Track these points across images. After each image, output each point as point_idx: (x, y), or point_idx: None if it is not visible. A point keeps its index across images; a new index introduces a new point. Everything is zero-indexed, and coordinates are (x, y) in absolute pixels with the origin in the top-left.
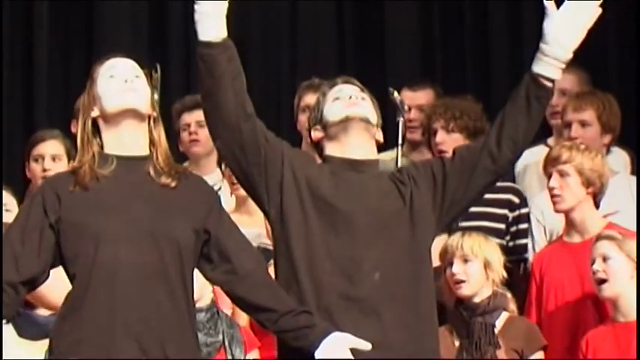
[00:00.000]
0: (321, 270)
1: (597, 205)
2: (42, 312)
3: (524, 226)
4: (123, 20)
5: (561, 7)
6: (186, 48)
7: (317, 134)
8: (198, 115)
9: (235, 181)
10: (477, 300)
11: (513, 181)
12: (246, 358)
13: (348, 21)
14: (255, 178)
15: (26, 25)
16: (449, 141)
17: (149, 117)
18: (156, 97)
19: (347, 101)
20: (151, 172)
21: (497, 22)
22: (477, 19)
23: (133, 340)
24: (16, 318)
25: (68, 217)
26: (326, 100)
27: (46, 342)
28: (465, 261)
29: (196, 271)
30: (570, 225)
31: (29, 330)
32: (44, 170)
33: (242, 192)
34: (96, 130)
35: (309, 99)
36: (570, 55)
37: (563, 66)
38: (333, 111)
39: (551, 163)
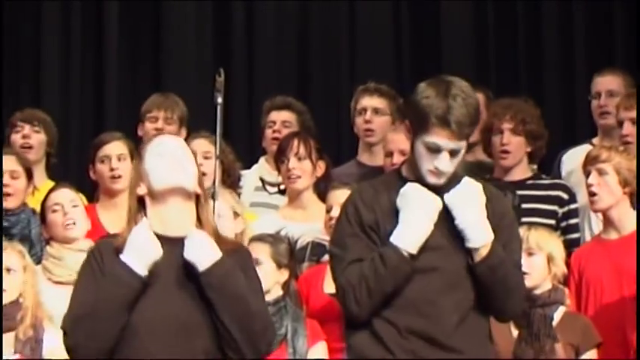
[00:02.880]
0: None
1: (634, 206)
2: None
3: (574, 221)
4: (187, 24)
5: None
6: (248, 51)
7: None
8: (285, 115)
9: (291, 175)
10: (537, 292)
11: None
12: (309, 350)
13: (405, 22)
14: None
15: (97, 33)
16: (514, 143)
17: (196, 195)
18: (220, 100)
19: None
20: None
21: (550, 22)
22: (530, 20)
23: None
24: None
25: None
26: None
27: None
28: (530, 254)
29: (265, 266)
30: (608, 223)
31: None
32: (112, 169)
33: (297, 186)
34: (142, 207)
35: (366, 102)
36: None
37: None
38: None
39: (590, 162)
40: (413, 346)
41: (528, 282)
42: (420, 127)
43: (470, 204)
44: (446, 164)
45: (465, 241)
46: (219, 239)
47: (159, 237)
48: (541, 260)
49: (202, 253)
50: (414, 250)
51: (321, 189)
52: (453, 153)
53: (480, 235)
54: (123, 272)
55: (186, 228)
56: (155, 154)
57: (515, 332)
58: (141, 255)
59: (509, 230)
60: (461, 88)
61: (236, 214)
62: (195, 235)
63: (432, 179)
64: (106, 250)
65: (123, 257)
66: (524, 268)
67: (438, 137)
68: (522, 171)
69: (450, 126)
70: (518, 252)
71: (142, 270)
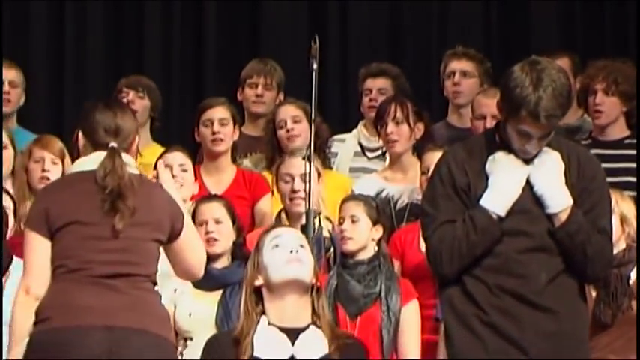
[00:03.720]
0: None
1: None
2: (217, 265)
3: None
4: None
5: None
6: (342, 18)
7: None
8: (381, 82)
9: (390, 139)
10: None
11: None
12: (403, 308)
13: None
14: None
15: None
16: (607, 103)
17: (312, 286)
18: (315, 66)
19: None
20: None
21: None
22: None
23: None
24: None
25: None
26: None
27: (218, 292)
28: None
29: (362, 223)
30: None
31: (204, 281)
32: (213, 133)
33: (395, 149)
34: (259, 299)
35: (454, 65)
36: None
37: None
38: None
39: None
40: (504, 303)
41: None
42: (511, 114)
43: (548, 172)
44: (534, 147)
45: (544, 207)
46: (333, 332)
47: (275, 327)
48: (615, 221)
49: (309, 351)
50: (502, 213)
51: (421, 150)
52: (542, 137)
53: (557, 201)
54: None
55: (302, 320)
56: (272, 246)
57: (593, 293)
58: (274, 352)
59: (598, 193)
60: (551, 77)
61: (319, 175)
62: (309, 333)
63: (521, 155)
64: (225, 345)
65: (259, 354)
66: None
67: (529, 127)
68: (619, 130)
69: (539, 120)
70: (607, 216)
71: None
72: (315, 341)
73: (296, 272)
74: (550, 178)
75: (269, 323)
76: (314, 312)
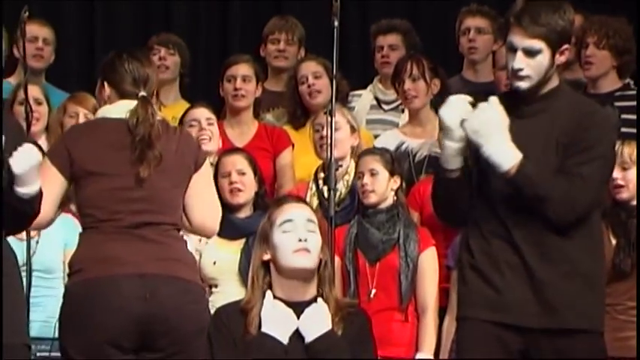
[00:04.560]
0: None
1: None
2: (240, 215)
3: None
4: None
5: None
6: None
7: None
8: (391, 38)
9: (407, 95)
10: (633, 203)
11: None
12: (420, 255)
13: None
14: None
15: None
16: (599, 56)
17: (319, 261)
18: (336, 23)
19: None
20: None
21: None
22: None
23: None
24: None
25: None
26: None
27: (242, 241)
28: (624, 168)
29: (380, 175)
30: None
31: (228, 231)
32: (236, 89)
33: (413, 105)
34: (267, 272)
35: (469, 22)
36: None
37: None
38: None
39: None
40: (492, 249)
41: (625, 194)
42: (506, 33)
43: (487, 132)
44: (519, 63)
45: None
46: (337, 304)
47: (281, 301)
48: (635, 173)
49: (313, 326)
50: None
51: (438, 105)
52: (528, 53)
53: (502, 161)
54: (269, 343)
55: (308, 293)
56: (282, 231)
57: (613, 241)
58: (281, 327)
59: (586, 144)
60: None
61: (353, 129)
62: (315, 306)
63: (514, 83)
64: (232, 317)
65: (266, 330)
66: (619, 182)
67: (514, 36)
68: (610, 83)
69: (521, 23)
70: (593, 165)
71: (285, 340)
72: (321, 314)
73: (303, 263)
74: (490, 138)
75: (274, 297)
76: (320, 285)
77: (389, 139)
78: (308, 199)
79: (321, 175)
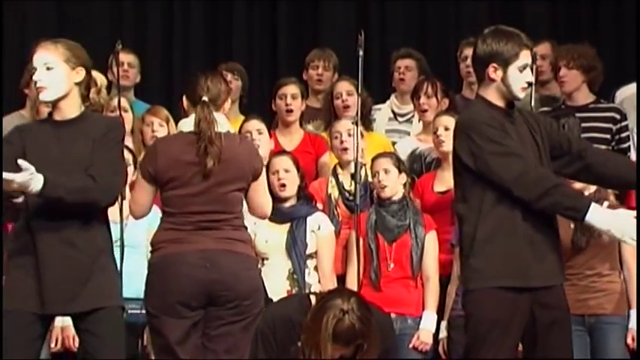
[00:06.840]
0: None
1: None
2: (286, 204)
3: (625, 134)
4: None
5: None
6: (382, 17)
7: None
8: (407, 62)
9: (421, 109)
10: (586, 193)
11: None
12: (426, 236)
13: None
14: None
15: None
16: (570, 75)
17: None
18: (361, 53)
19: None
20: None
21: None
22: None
23: None
24: None
25: None
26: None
27: (287, 224)
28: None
29: (392, 173)
30: None
31: (277, 216)
32: (286, 105)
33: (426, 118)
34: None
35: (467, 52)
36: None
37: None
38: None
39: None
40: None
41: (577, 184)
42: (512, 57)
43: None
44: (532, 76)
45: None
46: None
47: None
48: None
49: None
50: None
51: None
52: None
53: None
54: None
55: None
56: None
57: (572, 225)
58: None
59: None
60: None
61: (362, 135)
62: None
63: (520, 94)
64: (281, 334)
65: None
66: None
67: (527, 57)
68: (584, 97)
69: (531, 44)
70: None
71: None
72: None
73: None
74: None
75: None
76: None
77: (406, 145)
78: (329, 190)
79: (340, 170)
